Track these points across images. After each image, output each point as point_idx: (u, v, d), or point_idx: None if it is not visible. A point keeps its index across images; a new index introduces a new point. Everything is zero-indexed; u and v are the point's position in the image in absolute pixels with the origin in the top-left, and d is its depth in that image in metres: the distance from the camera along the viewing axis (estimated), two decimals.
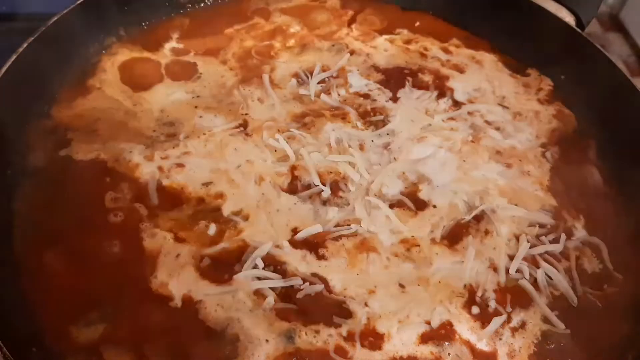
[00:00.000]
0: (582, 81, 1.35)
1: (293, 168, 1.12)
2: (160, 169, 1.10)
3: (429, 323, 0.96)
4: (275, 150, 1.15)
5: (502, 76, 1.41)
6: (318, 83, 1.31)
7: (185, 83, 1.28)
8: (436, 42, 1.47)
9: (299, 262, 1.00)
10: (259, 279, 0.96)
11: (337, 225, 1.05)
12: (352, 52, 1.40)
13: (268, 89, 1.28)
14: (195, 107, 1.23)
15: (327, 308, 0.95)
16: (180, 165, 1.11)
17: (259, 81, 1.30)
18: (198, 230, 1.02)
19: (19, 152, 1.09)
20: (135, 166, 1.10)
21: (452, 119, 1.28)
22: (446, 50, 1.45)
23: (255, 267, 0.98)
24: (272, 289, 0.96)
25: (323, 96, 1.28)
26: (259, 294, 0.95)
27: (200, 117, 1.21)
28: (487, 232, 1.08)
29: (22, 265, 0.97)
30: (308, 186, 1.10)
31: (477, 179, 1.17)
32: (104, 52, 1.31)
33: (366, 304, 0.96)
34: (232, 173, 1.11)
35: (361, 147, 1.19)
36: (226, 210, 1.05)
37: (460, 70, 1.40)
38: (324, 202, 1.09)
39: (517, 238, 1.08)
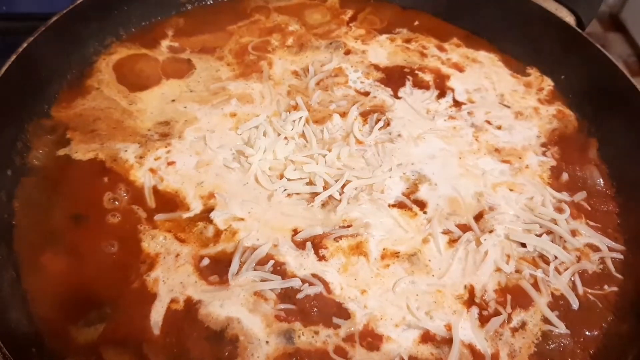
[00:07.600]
0: (582, 81, 1.35)
1: (292, 168, 1.12)
2: (152, 170, 1.09)
3: (429, 324, 0.96)
4: (274, 150, 1.14)
5: (502, 76, 1.41)
6: (317, 84, 1.30)
7: (181, 80, 1.28)
8: (436, 41, 1.47)
9: (299, 262, 1.00)
10: (258, 280, 0.96)
11: (337, 226, 1.05)
12: (350, 51, 1.41)
13: (266, 85, 1.28)
14: (189, 103, 1.23)
15: (326, 309, 0.95)
16: (172, 164, 1.11)
17: (256, 77, 1.30)
18: (197, 231, 1.02)
19: (19, 152, 1.09)
20: (131, 167, 1.10)
21: (452, 118, 1.28)
22: (446, 50, 1.45)
23: (255, 268, 0.98)
24: (272, 289, 0.96)
25: (322, 94, 1.28)
26: (258, 295, 0.95)
27: (194, 113, 1.21)
28: (486, 232, 1.08)
29: (21, 265, 0.97)
30: (308, 187, 1.10)
31: (478, 179, 1.17)
32: (103, 51, 1.31)
33: (365, 305, 0.96)
34: (229, 173, 1.11)
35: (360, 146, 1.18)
36: (224, 210, 1.05)
37: (460, 69, 1.41)
38: (324, 203, 1.08)
39: (517, 238, 1.08)
